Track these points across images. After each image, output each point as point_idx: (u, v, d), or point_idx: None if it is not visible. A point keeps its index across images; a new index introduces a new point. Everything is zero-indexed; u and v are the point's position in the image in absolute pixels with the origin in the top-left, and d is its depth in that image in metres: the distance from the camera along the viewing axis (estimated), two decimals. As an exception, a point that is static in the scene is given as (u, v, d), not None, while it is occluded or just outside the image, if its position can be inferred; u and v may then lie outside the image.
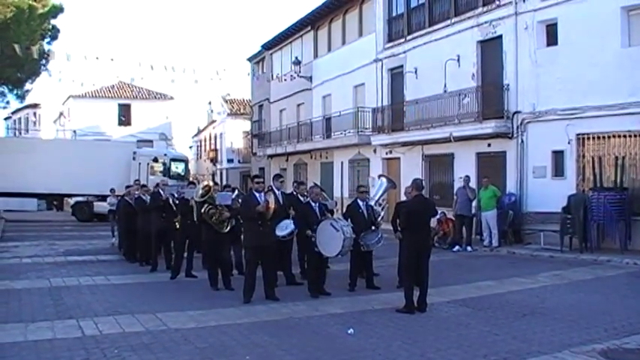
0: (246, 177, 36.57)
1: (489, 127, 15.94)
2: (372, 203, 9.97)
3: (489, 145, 16.69)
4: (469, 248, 14.77)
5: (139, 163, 26.36)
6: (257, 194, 8.63)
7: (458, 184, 16.17)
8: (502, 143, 16.22)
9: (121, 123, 42.05)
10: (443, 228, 15.64)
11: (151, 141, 39.50)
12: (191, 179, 23.24)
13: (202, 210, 9.47)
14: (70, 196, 27.70)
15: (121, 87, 43.48)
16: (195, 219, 10.33)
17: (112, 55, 41.10)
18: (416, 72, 19.53)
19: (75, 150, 27.04)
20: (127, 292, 9.46)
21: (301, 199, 9.24)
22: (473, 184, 16.28)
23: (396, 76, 21.04)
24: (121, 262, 13.25)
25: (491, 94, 16.33)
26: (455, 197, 15.62)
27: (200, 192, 9.64)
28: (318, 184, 12.73)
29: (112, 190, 18.39)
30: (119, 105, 42.55)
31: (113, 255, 14.29)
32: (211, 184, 10.10)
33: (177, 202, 11.28)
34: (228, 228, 9.62)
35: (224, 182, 26.51)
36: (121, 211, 13.77)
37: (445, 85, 17.56)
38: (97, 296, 9.04)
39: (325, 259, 9.02)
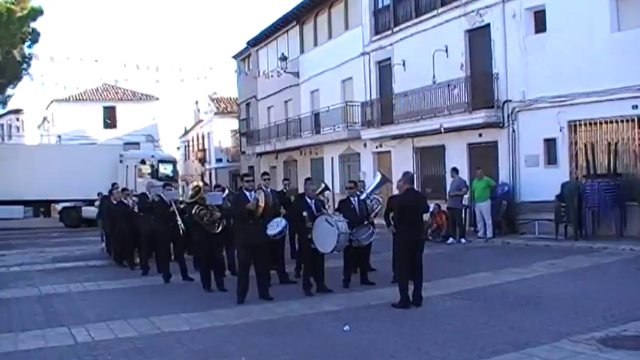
0: (236, 176, 36.48)
1: (480, 117, 15.99)
2: (363, 197, 9.96)
3: (480, 135, 16.74)
4: (463, 240, 14.83)
5: (126, 166, 26.21)
6: (247, 193, 8.61)
7: (450, 176, 16.20)
8: (493, 133, 16.27)
9: (106, 126, 41.82)
10: (436, 221, 15.68)
11: (138, 143, 39.25)
12: (179, 180, 23.13)
13: (193, 211, 9.44)
14: (57, 202, 27.50)
15: (106, 89, 43.13)
16: (178, 222, 10.31)
17: (95, 57, 40.55)
18: (404, 64, 19.54)
19: (60, 155, 26.82)
20: (119, 298, 9.41)
21: (309, 201, 9.17)
22: (464, 174, 16.33)
23: (384, 69, 21.04)
24: (112, 267, 13.18)
25: (480, 83, 16.38)
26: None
27: (190, 193, 9.64)
28: (324, 181, 12.64)
29: (100, 194, 18.25)
30: (104, 108, 42.34)
31: (103, 260, 14.21)
32: (201, 184, 10.07)
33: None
34: (220, 228, 9.59)
35: (214, 182, 26.42)
36: (105, 214, 13.73)
37: (434, 77, 17.57)
38: (89, 302, 8.98)
39: (321, 255, 9.02)
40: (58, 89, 36.69)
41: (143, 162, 26.74)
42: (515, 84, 15.54)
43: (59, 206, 27.70)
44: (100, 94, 42.76)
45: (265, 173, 10.85)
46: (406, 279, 7.88)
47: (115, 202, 13.17)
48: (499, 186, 15.57)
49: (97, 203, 18.34)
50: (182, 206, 10.40)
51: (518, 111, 15.58)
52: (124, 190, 13.55)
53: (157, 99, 43.38)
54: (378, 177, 11.23)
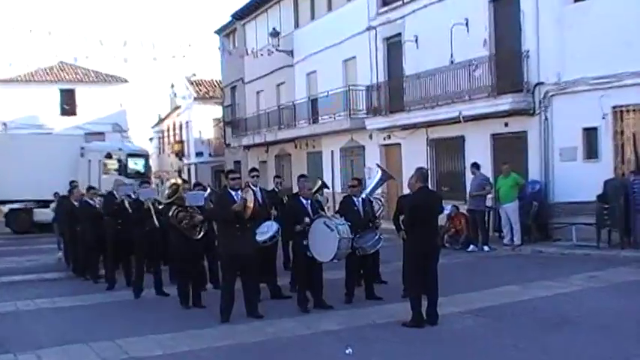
0: (220, 173, 36.45)
1: (506, 103, 15.97)
2: (363, 196, 9.97)
3: (507, 124, 16.73)
4: (486, 248, 14.83)
5: (89, 161, 26.14)
6: (233, 192, 8.60)
7: (470, 173, 16.18)
8: (522, 122, 16.26)
9: (64, 112, 41.39)
10: (454, 224, 15.67)
11: (103, 133, 39.17)
12: (152, 177, 23.07)
13: (170, 213, 9.41)
14: (2, 203, 27.27)
15: (63, 68, 42.59)
16: (156, 225, 10.30)
17: (49, 29, 39.69)
18: (416, 41, 19.52)
19: (7, 147, 26.38)
20: (79, 317, 9.38)
21: (304, 202, 9.17)
22: (487, 171, 16.31)
23: (393, 46, 21.01)
24: (70, 280, 13.14)
25: (507, 63, 16.35)
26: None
27: (167, 192, 9.60)
28: (320, 177, 12.64)
29: (57, 195, 18.17)
30: (61, 90, 41.75)
31: (60, 272, 14.15)
32: (179, 182, 10.05)
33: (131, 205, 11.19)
34: (202, 234, 9.58)
35: (193, 180, 26.40)
36: (64, 217, 13.68)
37: (452, 56, 17.55)
38: (41, 324, 8.94)
39: (319, 265, 9.01)
40: (2, 67, 36.46)
41: (109, 156, 26.69)
42: (548, 63, 15.51)
43: (5, 208, 27.43)
44: (56, 74, 42.13)
45: (254, 169, 10.86)
46: (418, 293, 7.87)
47: (76, 203, 13.11)
48: (529, 184, 15.56)
49: (52, 205, 18.31)
50: (161, 207, 10.36)
51: (552, 95, 15.56)
52: (90, 188, 13.51)
53: (125, 81, 43.24)
54: (378, 173, 11.23)
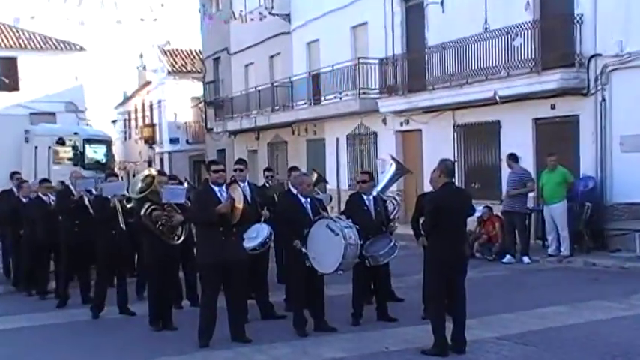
0: (200, 164, 36.48)
1: (553, 80, 15.94)
2: (374, 195, 9.99)
3: (553, 107, 16.71)
4: (526, 259, 14.83)
5: (35, 147, 26.16)
6: (216, 189, 8.63)
7: (507, 167, 16.17)
8: (572, 103, 16.25)
9: (3, 87, 41.20)
10: (487, 230, 15.69)
11: (54, 113, 39.02)
12: (116, 168, 23.05)
13: (142, 212, 9.42)
14: None
15: (0, 31, 42.50)
16: (122, 228, 10.32)
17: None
18: (442, 3, 19.48)
19: None
20: (23, 342, 9.40)
21: (302, 200, 9.18)
22: (529, 165, 16.31)
23: (414, 10, 20.99)
24: (12, 295, 13.19)
25: (555, 31, 16.31)
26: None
27: (139, 186, 9.59)
28: (316, 169, 12.67)
29: None
30: None
31: (-1, 286, 14.21)
32: (154, 173, 10.06)
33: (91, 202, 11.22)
34: (182, 238, 9.61)
35: (167, 172, 26.41)
36: (7, 217, 13.66)
37: (486, 22, 17.52)
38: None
39: (320, 277, 9.03)
40: None
41: (61, 142, 26.73)
42: (607, 31, 15.46)
43: None
44: None
45: (240, 161, 10.79)
46: (442, 314, 7.89)
47: (24, 200, 13.09)
48: (580, 181, 15.55)
49: None
50: (129, 206, 10.37)
51: (611, 70, 15.53)
52: (43, 181, 13.50)
53: (82, 49, 43.04)
54: (392, 166, 11.23)
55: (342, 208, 10.51)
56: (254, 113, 28.43)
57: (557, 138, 16.68)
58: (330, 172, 24.15)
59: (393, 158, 12.23)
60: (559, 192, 14.87)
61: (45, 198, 12.60)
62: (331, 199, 12.99)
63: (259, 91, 28.33)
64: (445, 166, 8.22)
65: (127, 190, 10.43)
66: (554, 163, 15.04)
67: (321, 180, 11.61)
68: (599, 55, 15.63)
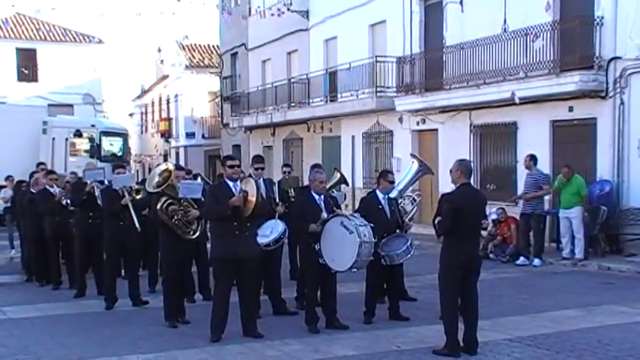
0: (215, 159, 36.53)
1: (571, 82, 15.86)
2: (394, 194, 9.95)
3: (571, 109, 16.64)
4: (537, 261, 14.77)
5: (53, 139, 26.27)
6: (231, 183, 8.63)
7: (525, 168, 16.08)
8: (591, 106, 16.17)
9: (22, 78, 41.25)
10: (501, 231, 15.63)
11: (71, 105, 39.29)
12: (132, 161, 23.10)
13: (159, 206, 9.44)
14: None
15: (21, 23, 42.36)
16: (135, 221, 10.36)
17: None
18: (461, 3, 19.43)
19: None
20: (36, 330, 9.43)
21: (316, 197, 9.16)
22: (546, 167, 16.22)
23: (433, 9, 20.96)
24: (26, 285, 13.25)
25: (574, 33, 16.21)
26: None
27: (156, 180, 9.61)
28: (339, 169, 12.59)
29: (10, 179, 18.24)
30: (18, 50, 41.40)
31: (12, 275, 14.27)
32: (171, 167, 10.08)
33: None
34: (197, 233, 9.63)
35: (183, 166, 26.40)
36: (23, 209, 13.71)
37: (505, 22, 17.47)
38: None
39: (333, 275, 9.03)
40: None
41: (78, 134, 26.84)
42: (627, 33, 15.37)
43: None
44: (11, 29, 41.19)
45: (258, 158, 10.70)
46: (454, 314, 7.88)
47: (34, 192, 13.13)
48: (596, 184, 15.48)
49: (3, 192, 18.40)
50: (139, 197, 10.40)
51: (630, 74, 15.44)
52: (49, 172, 13.53)
53: (101, 42, 43.26)
54: (414, 165, 11.17)
55: (357, 206, 10.47)
56: (270, 109, 28.45)
57: (574, 140, 16.61)
58: (345, 169, 24.00)
59: (415, 157, 12.12)
60: (574, 200, 14.78)
61: (51, 190, 12.61)
62: (345, 197, 12.98)
63: (276, 87, 28.34)
64: (465, 166, 8.19)
65: (144, 184, 10.45)
66: (568, 174, 14.90)
67: (343, 181, 11.57)
68: (619, 58, 15.56)
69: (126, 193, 10.51)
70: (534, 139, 17.30)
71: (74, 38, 42.53)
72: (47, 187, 12.66)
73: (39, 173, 14.00)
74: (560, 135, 17.09)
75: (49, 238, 12.53)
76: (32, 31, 41.66)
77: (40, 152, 24.78)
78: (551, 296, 11.42)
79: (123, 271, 11.68)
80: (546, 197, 15.49)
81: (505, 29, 17.47)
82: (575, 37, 16.16)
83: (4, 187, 18.30)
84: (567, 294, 11.60)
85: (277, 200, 10.49)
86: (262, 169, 10.32)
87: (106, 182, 11.47)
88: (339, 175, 11.49)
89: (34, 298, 11.82)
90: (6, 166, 20.16)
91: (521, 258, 14.93)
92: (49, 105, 34.85)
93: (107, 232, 10.80)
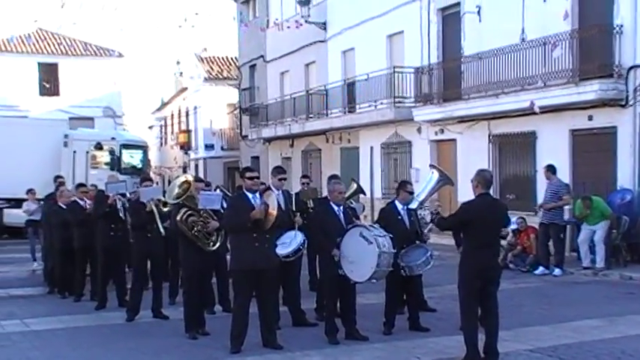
0: (234, 171, 36.65)
1: (591, 90, 15.80)
2: (415, 206, 9.93)
3: (591, 118, 16.57)
4: (557, 270, 14.68)
5: (74, 152, 26.45)
6: (250, 195, 8.66)
7: (545, 178, 16.00)
8: (611, 114, 16.10)
9: (43, 92, 41.67)
10: (521, 241, 15.56)
11: (92, 118, 39.56)
12: (152, 173, 23.23)
13: (179, 217, 9.49)
14: None
15: (42, 37, 42.70)
16: (160, 230, 10.41)
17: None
18: (479, 12, 19.43)
19: None
20: (58, 342, 9.47)
21: (335, 208, 9.18)
22: (565, 176, 16.13)
23: (450, 19, 20.96)
24: (48, 297, 13.30)
25: (593, 41, 16.17)
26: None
27: (176, 191, 9.66)
28: (356, 180, 12.59)
29: (31, 192, 18.38)
30: (40, 65, 41.90)
31: (35, 287, 14.34)
32: (191, 179, 10.13)
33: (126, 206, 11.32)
34: (217, 245, 9.67)
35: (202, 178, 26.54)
36: (50, 221, 13.82)
37: (523, 31, 17.47)
38: (9, 351, 9.02)
39: (352, 286, 9.03)
40: None
41: (99, 146, 26.99)
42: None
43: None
44: (34, 44, 41.64)
45: (280, 170, 10.79)
46: (474, 324, 7.84)
47: (63, 206, 13.20)
48: (617, 193, 15.38)
49: (25, 205, 18.49)
50: (166, 209, 10.45)
51: (650, 82, 15.41)
52: (80, 185, 13.66)
53: (121, 55, 43.62)
54: (435, 175, 11.13)
55: (375, 216, 10.47)
56: (289, 120, 28.51)
57: (594, 149, 16.53)
58: (363, 180, 24.07)
59: (435, 167, 12.09)
60: (598, 219, 14.65)
61: (81, 202, 12.76)
62: (364, 209, 12.97)
63: (294, 98, 28.42)
64: (482, 176, 8.17)
65: (164, 195, 10.50)
66: (589, 205, 14.76)
67: (360, 191, 11.58)
68: (639, 66, 15.48)
69: (152, 206, 10.55)
70: (554, 149, 17.24)
71: (95, 52, 42.86)
72: (77, 199, 12.83)
73: (63, 186, 14.13)
74: (580, 144, 17.03)
75: (78, 250, 12.60)
76: (54, 45, 42.05)
77: (62, 165, 24.96)
78: (573, 306, 11.35)
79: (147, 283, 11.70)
80: (566, 207, 15.40)
81: (523, 38, 17.47)
82: (594, 46, 16.13)
83: (26, 200, 18.42)
84: (588, 304, 11.52)
85: (294, 211, 10.51)
86: (284, 179, 10.42)
87: (127, 194, 11.54)
88: (355, 185, 11.49)
89: (56, 310, 11.87)
90: (28, 179, 20.30)
91: (541, 268, 14.85)
92: (70, 118, 35.18)
93: (135, 246, 10.90)
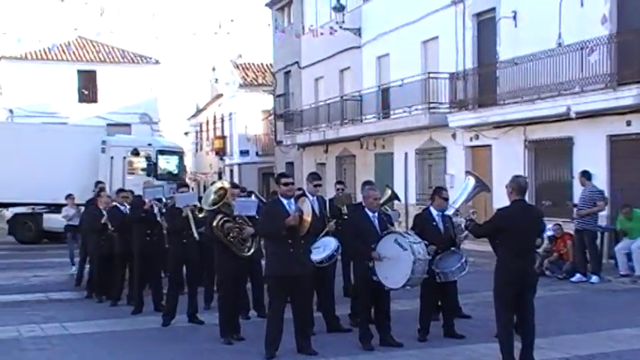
0: (269, 176, 36.77)
1: (629, 96, 15.61)
2: (451, 212, 9.90)
3: (629, 123, 16.37)
4: (595, 278, 14.50)
5: (111, 157, 26.70)
6: (285, 201, 8.70)
7: (580, 184, 15.85)
8: (649, 120, 15.92)
9: (82, 98, 42.19)
10: (557, 248, 15.41)
11: (129, 125, 39.98)
12: (187, 179, 23.38)
13: (214, 223, 9.57)
14: (5, 205, 27.95)
15: (82, 45, 43.15)
16: (195, 238, 10.49)
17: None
18: (515, 17, 19.33)
19: (12, 138, 26.89)
20: (95, 346, 9.58)
21: (370, 214, 9.18)
22: (603, 183, 15.95)
23: (486, 24, 20.86)
24: (86, 301, 13.44)
25: (632, 45, 16.00)
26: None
27: (212, 197, 9.74)
28: (390, 186, 12.57)
29: (70, 197, 18.56)
30: (79, 72, 42.47)
31: (73, 292, 14.51)
32: (227, 185, 10.20)
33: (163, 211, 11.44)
34: (252, 250, 9.72)
35: (238, 184, 26.70)
36: (89, 226, 13.97)
37: (560, 36, 17.33)
38: (48, 354, 9.13)
39: (387, 292, 9.00)
40: (8, 42, 36.65)
41: (136, 152, 27.23)
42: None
43: (9, 212, 28.16)
44: (74, 52, 42.04)
45: (316, 176, 10.84)
46: (509, 332, 7.80)
47: (103, 210, 13.35)
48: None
49: (64, 210, 18.69)
50: (201, 216, 10.53)
51: (689, 87, 15.19)
52: (120, 191, 13.83)
53: (157, 62, 44.03)
54: (471, 182, 11.09)
55: (410, 223, 10.44)
56: (323, 126, 28.54)
57: (632, 155, 16.32)
58: (398, 186, 24.04)
59: (471, 173, 12.05)
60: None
61: (122, 207, 12.92)
62: (399, 215, 12.93)
63: (329, 104, 28.46)
64: (517, 183, 8.12)
65: (200, 201, 10.58)
66: (630, 213, 14.62)
67: (395, 197, 11.56)
68: (680, 69, 15.29)
69: (188, 211, 10.63)
70: (591, 155, 17.05)
71: (132, 59, 43.35)
72: (118, 205, 12.99)
73: (104, 191, 14.31)
74: (618, 150, 16.83)
75: (117, 255, 12.76)
76: (93, 53, 42.64)
77: (99, 171, 25.20)
78: (610, 314, 11.22)
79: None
80: (602, 213, 15.22)
81: (560, 43, 17.33)
82: (633, 50, 15.95)
83: (65, 205, 18.63)
84: (626, 312, 11.37)
85: (328, 216, 10.53)
86: (320, 185, 10.47)
87: (164, 200, 11.65)
88: (390, 191, 11.47)
89: (93, 314, 12.02)
90: (67, 185, 20.52)
91: (577, 275, 14.69)
92: (108, 125, 35.50)
93: (171, 251, 11.00)
